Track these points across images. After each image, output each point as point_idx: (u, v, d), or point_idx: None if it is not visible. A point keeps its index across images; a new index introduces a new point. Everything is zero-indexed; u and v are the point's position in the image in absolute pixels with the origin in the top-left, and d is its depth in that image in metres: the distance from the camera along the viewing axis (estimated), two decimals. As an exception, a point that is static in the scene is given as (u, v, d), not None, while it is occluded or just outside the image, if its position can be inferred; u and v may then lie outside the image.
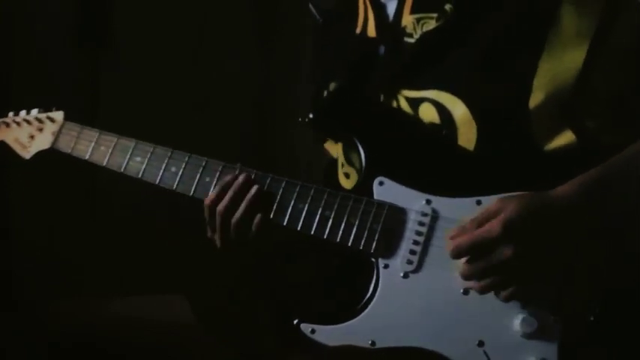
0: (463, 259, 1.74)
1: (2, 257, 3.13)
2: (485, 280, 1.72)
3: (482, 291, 1.74)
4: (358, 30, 2.02)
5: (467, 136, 1.83)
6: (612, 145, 1.77)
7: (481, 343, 1.76)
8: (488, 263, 1.70)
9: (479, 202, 1.79)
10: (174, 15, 3.42)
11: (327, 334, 1.82)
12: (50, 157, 2.18)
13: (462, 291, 1.77)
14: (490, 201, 1.76)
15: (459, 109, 1.83)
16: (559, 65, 1.80)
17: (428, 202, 1.82)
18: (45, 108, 2.19)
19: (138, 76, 3.35)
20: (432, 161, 1.86)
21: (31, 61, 3.18)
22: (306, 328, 1.83)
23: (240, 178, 1.89)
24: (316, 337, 1.82)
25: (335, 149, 2.08)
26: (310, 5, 2.11)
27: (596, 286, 1.73)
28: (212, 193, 1.90)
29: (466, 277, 1.74)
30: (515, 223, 1.69)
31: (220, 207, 1.88)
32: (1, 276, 3.11)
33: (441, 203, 1.81)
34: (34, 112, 2.19)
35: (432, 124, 1.86)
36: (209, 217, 1.90)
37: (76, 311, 2.38)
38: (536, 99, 1.80)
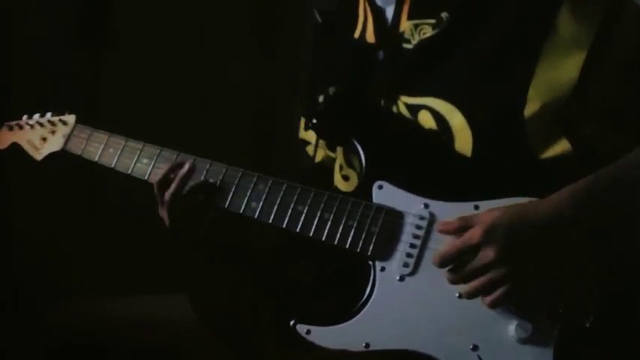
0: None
1: (2, 257, 3.13)
2: (471, 283, 1.72)
3: (469, 296, 1.74)
4: (357, 34, 2.01)
5: (463, 144, 1.82)
6: (608, 153, 1.77)
7: (475, 347, 1.76)
8: (471, 267, 1.71)
9: (476, 207, 1.79)
10: (175, 15, 3.42)
11: (322, 335, 1.82)
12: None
13: (457, 295, 1.77)
14: (487, 206, 1.76)
15: (455, 117, 1.83)
16: (555, 75, 1.78)
17: (426, 206, 1.82)
18: (58, 111, 2.20)
19: (138, 76, 3.35)
20: (431, 166, 1.86)
21: (31, 61, 3.18)
22: (301, 328, 1.83)
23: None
24: (311, 337, 1.82)
25: (322, 154, 2.09)
26: (315, 11, 2.10)
27: (591, 291, 1.73)
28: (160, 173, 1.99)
29: (452, 281, 1.75)
30: (496, 228, 1.70)
31: (160, 180, 1.98)
32: (2, 276, 3.11)
33: (438, 207, 1.81)
34: (48, 115, 2.21)
35: (431, 130, 1.86)
36: (156, 192, 2.00)
37: (76, 311, 2.37)
38: (531, 108, 1.79)
